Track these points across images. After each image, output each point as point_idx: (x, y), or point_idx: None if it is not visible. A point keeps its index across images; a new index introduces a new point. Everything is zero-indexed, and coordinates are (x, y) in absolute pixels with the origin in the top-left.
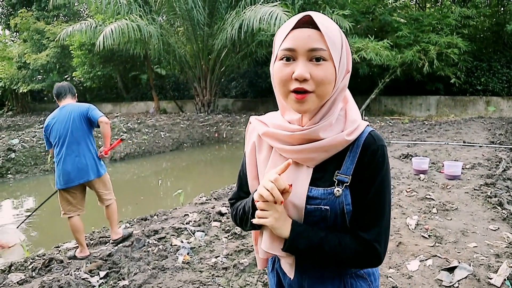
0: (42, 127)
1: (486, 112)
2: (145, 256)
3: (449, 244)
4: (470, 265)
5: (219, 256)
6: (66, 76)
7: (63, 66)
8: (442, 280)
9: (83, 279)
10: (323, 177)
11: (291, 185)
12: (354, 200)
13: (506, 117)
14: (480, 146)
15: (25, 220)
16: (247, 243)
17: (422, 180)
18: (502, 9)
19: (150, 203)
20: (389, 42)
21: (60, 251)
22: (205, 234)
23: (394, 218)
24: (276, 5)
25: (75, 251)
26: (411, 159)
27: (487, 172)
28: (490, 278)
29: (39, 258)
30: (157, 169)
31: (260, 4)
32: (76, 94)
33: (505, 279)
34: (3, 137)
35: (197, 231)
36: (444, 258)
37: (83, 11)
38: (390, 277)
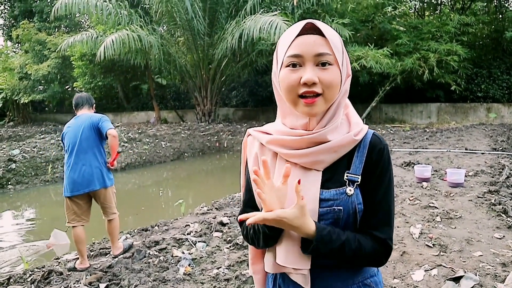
0: (43, 138)
1: (487, 118)
2: (145, 268)
3: (454, 253)
4: (476, 275)
5: (220, 267)
6: (67, 86)
7: (64, 77)
8: None
9: None
10: (333, 178)
11: (299, 180)
12: (364, 199)
13: (507, 123)
14: (482, 153)
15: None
16: None
17: (425, 188)
18: (500, 16)
19: (151, 213)
20: (389, 50)
21: (59, 262)
22: (207, 245)
23: (398, 227)
24: (275, 15)
25: (75, 262)
26: (413, 167)
27: (490, 179)
28: None
29: (38, 270)
30: (158, 179)
31: (260, 14)
32: (94, 105)
33: None
34: (4, 148)
35: (199, 241)
36: (450, 267)
37: (84, 22)
38: (394, 287)
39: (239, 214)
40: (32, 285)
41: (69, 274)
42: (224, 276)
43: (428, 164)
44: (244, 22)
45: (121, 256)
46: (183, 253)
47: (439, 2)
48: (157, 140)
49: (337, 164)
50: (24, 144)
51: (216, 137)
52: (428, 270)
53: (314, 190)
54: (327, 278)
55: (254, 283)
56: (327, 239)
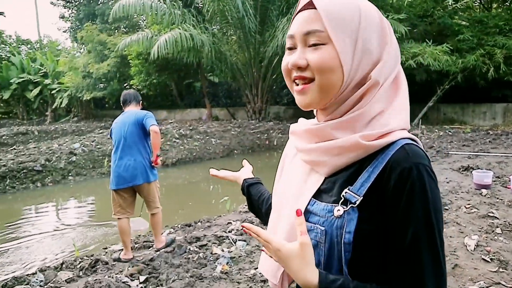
0: (101, 132)
1: None
2: (184, 263)
3: None
4: None
5: (258, 268)
6: (125, 84)
7: (123, 75)
8: None
9: (123, 282)
10: (331, 190)
11: (298, 210)
12: (383, 238)
13: None
14: None
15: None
16: None
17: (484, 195)
18: None
19: (197, 209)
20: (449, 46)
21: (107, 252)
22: (247, 244)
23: (451, 236)
24: None
25: (120, 253)
26: (471, 172)
27: None
28: None
29: (87, 258)
30: (207, 175)
31: None
32: (141, 101)
33: None
34: (67, 141)
35: (239, 240)
36: (510, 287)
37: (142, 23)
38: None
39: None
40: (81, 272)
41: (113, 264)
42: (261, 277)
43: (490, 169)
44: None
45: (163, 250)
46: (222, 251)
47: None
48: (207, 137)
49: (342, 174)
50: (84, 138)
51: (266, 135)
52: (483, 287)
53: (306, 196)
54: None
55: (291, 285)
56: None
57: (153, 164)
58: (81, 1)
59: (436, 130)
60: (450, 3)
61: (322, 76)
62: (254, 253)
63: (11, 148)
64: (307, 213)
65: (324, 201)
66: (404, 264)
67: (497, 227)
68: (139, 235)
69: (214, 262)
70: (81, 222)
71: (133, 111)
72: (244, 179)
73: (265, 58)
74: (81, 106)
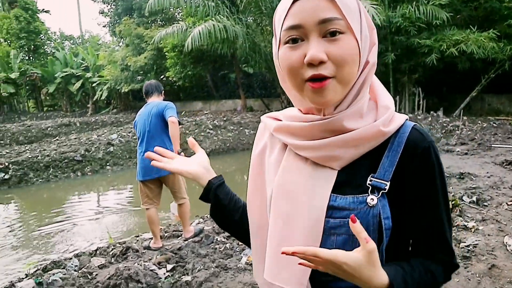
0: None
1: None
2: (211, 253)
3: None
4: None
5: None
6: (162, 76)
7: (160, 67)
8: None
9: (151, 270)
10: (352, 181)
11: (352, 217)
12: (408, 215)
13: None
14: None
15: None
16: None
17: None
18: None
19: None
20: (496, 32)
21: (138, 240)
22: None
23: (489, 235)
24: None
25: (150, 242)
26: None
27: None
28: None
29: (119, 245)
30: (240, 166)
31: None
32: (163, 91)
33: None
34: (105, 132)
35: None
36: None
37: (178, 15)
38: None
39: None
40: (112, 258)
41: (143, 252)
42: None
43: None
44: None
45: (191, 240)
46: None
47: None
48: (241, 128)
49: (359, 163)
50: (121, 129)
51: None
52: None
53: (323, 193)
54: None
55: None
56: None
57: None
58: None
59: (479, 122)
60: None
61: (345, 69)
62: None
63: (55, 139)
64: (330, 210)
65: (348, 193)
66: (435, 232)
67: None
68: (169, 225)
69: (240, 253)
70: (117, 210)
71: (155, 102)
72: (209, 181)
73: None
74: (120, 98)
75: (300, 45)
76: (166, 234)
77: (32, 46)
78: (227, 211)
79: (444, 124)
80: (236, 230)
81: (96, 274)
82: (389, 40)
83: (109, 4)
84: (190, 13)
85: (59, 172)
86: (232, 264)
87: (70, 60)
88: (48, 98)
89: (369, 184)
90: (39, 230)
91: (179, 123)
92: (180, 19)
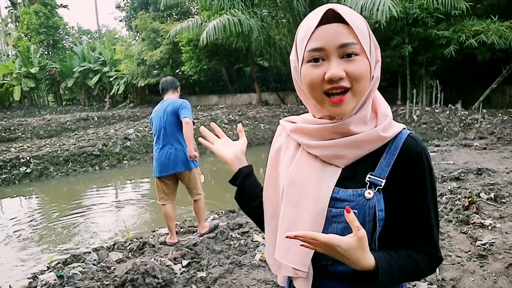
0: None
1: None
2: (225, 250)
3: None
4: None
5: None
6: (178, 70)
7: (175, 61)
8: None
9: (167, 265)
10: (354, 177)
11: (347, 208)
12: (401, 210)
13: None
14: None
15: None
16: None
17: None
18: None
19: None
20: None
21: (154, 235)
22: None
23: (506, 233)
24: None
25: (166, 237)
26: None
27: None
28: None
29: (136, 240)
30: (256, 160)
31: None
32: (179, 88)
33: None
34: (122, 127)
35: None
36: None
37: (193, 9)
38: None
39: None
40: (130, 253)
41: (160, 247)
42: None
43: None
44: (345, 0)
45: (206, 236)
46: (263, 238)
47: None
48: (256, 122)
49: (361, 163)
50: (138, 124)
51: None
52: None
53: (328, 187)
54: None
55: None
56: (389, 271)
57: (189, 156)
58: None
59: (500, 115)
60: None
61: (359, 84)
62: None
63: (73, 134)
64: (333, 201)
65: (350, 187)
66: (424, 225)
67: None
68: (185, 220)
69: (254, 250)
70: (134, 204)
71: (170, 99)
72: (240, 169)
73: None
74: (136, 92)
75: (321, 64)
76: (181, 230)
77: (51, 41)
78: (249, 198)
79: (463, 118)
80: (254, 215)
81: (114, 269)
82: (406, 32)
83: None
84: (205, 7)
85: (78, 166)
86: (246, 260)
87: (87, 55)
88: (66, 92)
89: (367, 180)
90: (59, 222)
91: (193, 123)
92: (195, 13)
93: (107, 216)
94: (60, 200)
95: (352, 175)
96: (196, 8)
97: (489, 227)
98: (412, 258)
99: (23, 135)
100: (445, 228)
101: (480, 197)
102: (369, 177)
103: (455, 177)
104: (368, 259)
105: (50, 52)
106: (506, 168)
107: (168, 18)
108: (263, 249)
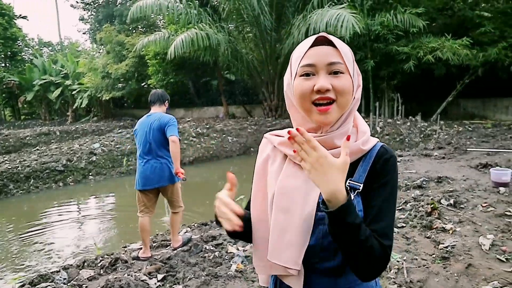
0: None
1: None
2: (200, 262)
3: None
4: None
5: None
6: (143, 83)
7: (141, 75)
8: None
9: (142, 280)
10: None
11: (348, 136)
12: (366, 207)
13: None
14: None
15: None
16: None
17: (502, 194)
18: None
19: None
20: (469, 40)
21: (126, 251)
22: None
23: (465, 236)
24: (343, 7)
25: (139, 252)
26: (490, 169)
27: None
28: None
29: (107, 257)
30: (224, 174)
31: (328, 7)
32: (167, 101)
33: None
34: (87, 141)
35: None
36: None
37: (159, 22)
38: None
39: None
40: (101, 270)
41: (132, 263)
42: None
43: (509, 167)
44: (311, 16)
45: (180, 249)
46: (237, 249)
47: None
48: (224, 135)
49: None
50: (103, 138)
51: None
52: (497, 287)
53: (314, 194)
54: (322, 285)
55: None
56: (353, 209)
57: (176, 173)
58: (100, 3)
59: (456, 126)
60: None
61: (343, 97)
62: None
63: (35, 149)
64: (319, 205)
65: None
66: (381, 219)
67: None
68: (157, 234)
69: (229, 261)
70: (100, 220)
71: (157, 114)
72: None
73: (281, 56)
74: (101, 106)
75: (311, 78)
76: (154, 244)
77: (9, 53)
78: (243, 232)
79: (422, 129)
80: (240, 235)
81: (86, 287)
82: (368, 48)
83: (89, 11)
84: (173, 20)
85: (40, 182)
86: (222, 272)
87: (48, 67)
88: (25, 106)
89: (348, 185)
90: (20, 242)
91: (179, 140)
92: (162, 27)
93: (72, 233)
94: (22, 219)
95: None
96: (163, 22)
97: (450, 231)
98: (368, 230)
99: None
100: (410, 234)
101: (441, 203)
102: (349, 183)
103: (418, 185)
104: (341, 186)
105: (8, 65)
106: (463, 176)
107: (134, 31)
108: (238, 260)
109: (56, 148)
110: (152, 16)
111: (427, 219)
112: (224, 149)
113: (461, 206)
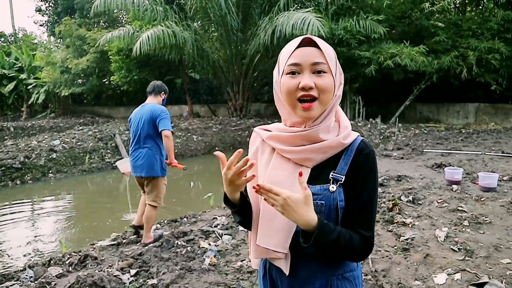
0: (81, 129)
1: None
2: (173, 257)
3: (480, 258)
4: (502, 282)
5: (244, 259)
6: (105, 80)
7: (102, 71)
8: None
9: (115, 276)
10: (320, 176)
11: (300, 172)
12: (348, 199)
13: None
14: None
15: None
16: None
17: (455, 191)
18: None
19: (181, 205)
20: (425, 47)
21: (94, 248)
22: (232, 238)
23: (423, 229)
24: (309, 11)
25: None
26: (444, 169)
27: None
28: None
29: (75, 254)
30: (189, 172)
31: (293, 10)
32: (164, 92)
33: None
34: (46, 138)
35: (225, 234)
36: (474, 273)
37: (122, 18)
38: None
39: None
40: (70, 267)
41: (103, 259)
42: (248, 269)
43: (460, 166)
44: (277, 18)
45: (151, 245)
46: (209, 244)
47: None
48: (189, 134)
49: (325, 163)
50: (64, 135)
51: (247, 132)
52: (451, 274)
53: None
54: (309, 267)
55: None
56: (327, 229)
57: (167, 163)
58: None
59: (412, 128)
60: (427, 6)
61: (324, 95)
62: (240, 246)
63: None
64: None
65: (317, 184)
66: (363, 211)
67: (465, 219)
68: (126, 231)
69: (202, 255)
70: (63, 219)
71: (149, 105)
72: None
73: (246, 56)
74: (59, 102)
75: (297, 76)
76: (124, 241)
77: None
78: (246, 213)
79: (382, 131)
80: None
81: (55, 284)
82: None
83: (47, 2)
84: (138, 16)
85: None
86: (196, 265)
87: (1, 60)
88: None
89: (331, 177)
90: None
91: (172, 133)
92: (125, 22)
93: (31, 232)
94: None
95: (319, 174)
96: (126, 17)
97: (410, 225)
98: (347, 233)
99: None
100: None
101: (401, 200)
102: (332, 175)
103: (380, 183)
104: (311, 216)
105: None
106: (420, 174)
107: (96, 25)
108: (211, 254)
109: (12, 144)
110: (115, 11)
111: (389, 214)
112: (189, 147)
113: (419, 202)
